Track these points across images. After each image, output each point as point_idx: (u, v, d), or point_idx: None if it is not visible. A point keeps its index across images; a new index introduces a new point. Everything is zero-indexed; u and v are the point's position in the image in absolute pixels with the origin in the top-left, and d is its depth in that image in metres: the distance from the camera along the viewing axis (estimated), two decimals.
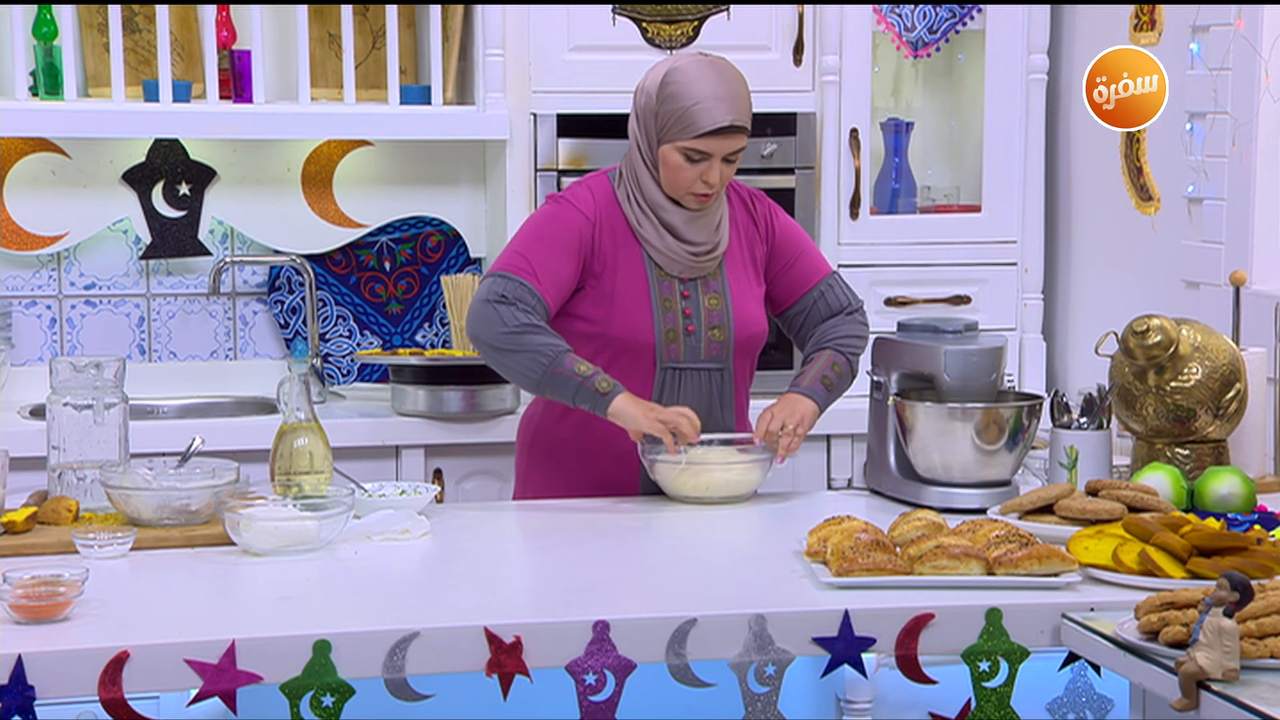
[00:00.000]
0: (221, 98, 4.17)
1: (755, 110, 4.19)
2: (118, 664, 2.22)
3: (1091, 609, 2.44)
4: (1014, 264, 4.41)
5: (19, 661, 2.19)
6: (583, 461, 3.26)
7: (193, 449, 2.97)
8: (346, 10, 4.17)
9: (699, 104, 3.10)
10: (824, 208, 4.31)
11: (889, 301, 4.36)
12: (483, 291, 3.14)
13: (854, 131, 4.30)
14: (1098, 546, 2.61)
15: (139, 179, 4.34)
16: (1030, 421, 3.07)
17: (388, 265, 4.51)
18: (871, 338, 3.32)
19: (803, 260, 3.35)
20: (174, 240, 4.36)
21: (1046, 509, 2.86)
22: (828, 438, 4.21)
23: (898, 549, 2.61)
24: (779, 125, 4.28)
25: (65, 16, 4.13)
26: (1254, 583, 2.17)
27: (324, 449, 3.00)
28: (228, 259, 4.34)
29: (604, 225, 3.21)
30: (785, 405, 3.18)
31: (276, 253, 4.40)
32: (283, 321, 4.46)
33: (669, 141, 3.13)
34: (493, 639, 2.33)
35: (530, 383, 3.11)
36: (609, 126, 4.12)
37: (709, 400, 3.25)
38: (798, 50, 4.29)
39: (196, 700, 2.26)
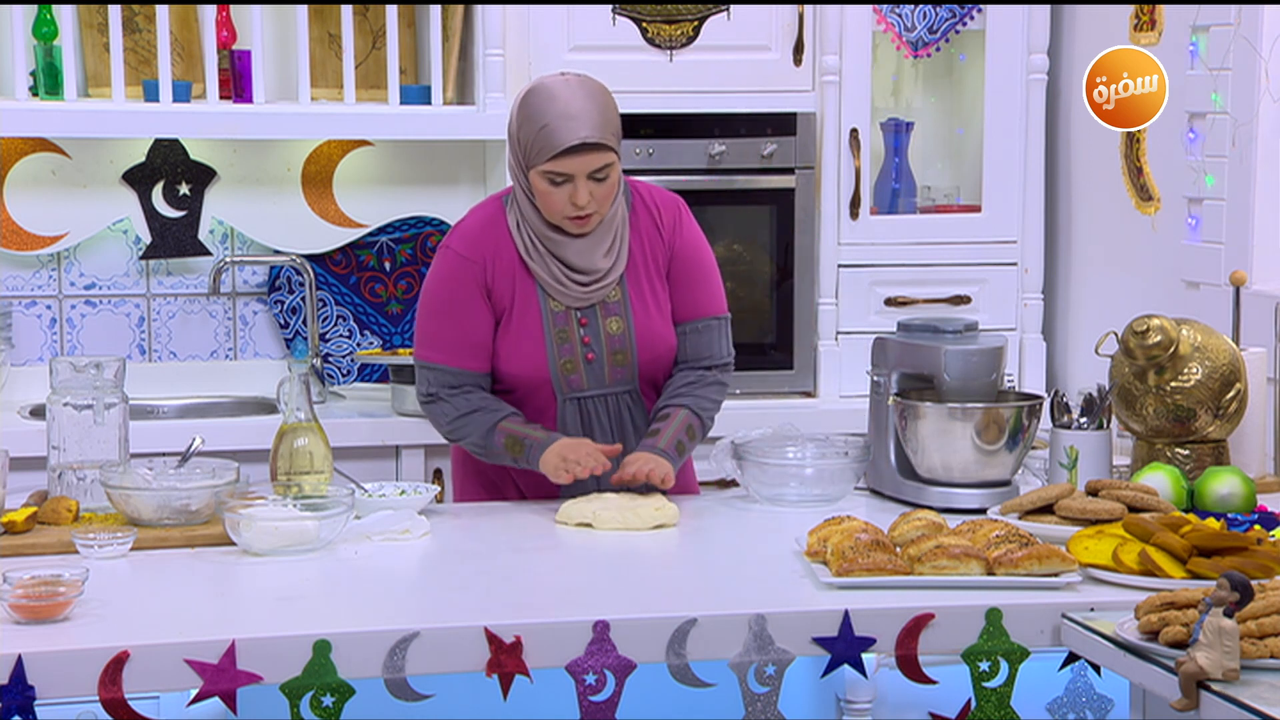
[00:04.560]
0: (221, 98, 4.17)
1: (756, 110, 4.26)
2: (118, 664, 2.22)
3: (1091, 609, 2.44)
4: (1014, 264, 4.41)
5: (19, 661, 2.19)
6: (509, 471, 3.24)
7: (193, 449, 2.97)
8: (346, 10, 4.17)
9: (548, 125, 3.00)
10: (824, 208, 4.31)
11: (889, 301, 4.36)
12: (418, 389, 3.20)
13: (854, 131, 4.30)
14: (1098, 546, 2.62)
15: (139, 179, 4.34)
16: (1030, 421, 3.07)
17: (388, 265, 4.51)
18: (871, 338, 3.32)
19: (696, 290, 3.22)
20: (174, 240, 4.36)
21: (1046, 509, 2.86)
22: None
23: (898, 549, 2.61)
24: (779, 125, 4.28)
25: (65, 16, 4.13)
26: (1254, 583, 2.17)
27: (324, 449, 3.00)
28: (228, 259, 4.34)
29: (495, 261, 3.13)
30: (643, 460, 3.08)
31: (276, 253, 4.40)
32: (283, 321, 4.46)
33: (533, 167, 3.03)
34: (493, 639, 2.33)
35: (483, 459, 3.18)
36: None
37: (621, 424, 3.21)
38: (798, 50, 4.29)
39: (197, 700, 2.26)
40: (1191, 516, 2.75)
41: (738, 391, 4.24)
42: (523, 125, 3.04)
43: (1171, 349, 3.12)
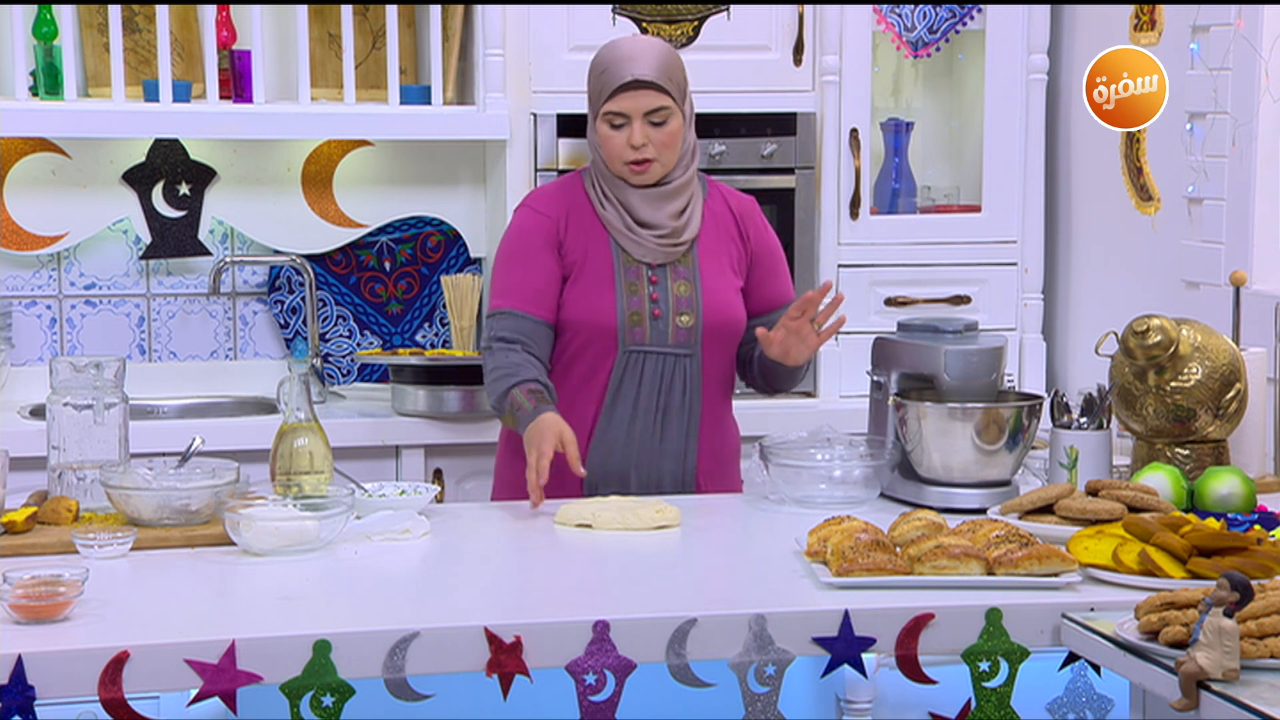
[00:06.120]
0: (221, 98, 4.17)
1: (756, 110, 4.27)
2: (118, 664, 2.22)
3: (1091, 609, 2.44)
4: (1014, 264, 4.41)
5: (19, 661, 2.19)
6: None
7: (193, 449, 2.97)
8: (346, 10, 4.17)
9: (607, 70, 3.19)
10: (824, 208, 4.32)
11: (889, 301, 4.36)
12: (484, 338, 3.28)
13: (854, 131, 4.30)
14: (1098, 546, 2.62)
15: (139, 179, 4.34)
16: (1030, 421, 3.07)
17: (388, 265, 4.51)
18: (871, 338, 3.32)
19: (779, 279, 3.39)
20: (174, 240, 4.36)
21: (1046, 509, 2.86)
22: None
23: (898, 549, 2.61)
24: (779, 125, 4.28)
25: (65, 16, 4.13)
26: (1254, 583, 2.17)
27: (324, 449, 3.00)
28: (228, 259, 4.34)
29: (571, 218, 3.27)
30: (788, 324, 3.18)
31: (276, 253, 4.40)
32: (283, 321, 4.46)
33: (596, 116, 3.21)
34: (493, 639, 2.33)
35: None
36: None
37: (671, 385, 3.26)
38: (798, 50, 4.29)
39: (197, 700, 2.26)
40: (1191, 516, 2.75)
41: (737, 391, 4.24)
42: (590, 75, 3.24)
43: (1171, 349, 3.12)
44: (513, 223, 3.33)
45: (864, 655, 2.42)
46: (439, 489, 3.16)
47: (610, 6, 4.21)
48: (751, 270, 3.35)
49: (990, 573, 2.54)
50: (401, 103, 4.25)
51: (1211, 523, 2.71)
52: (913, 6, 4.33)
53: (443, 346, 4.52)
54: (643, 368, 3.25)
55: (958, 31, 4.38)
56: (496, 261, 3.32)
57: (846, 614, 2.42)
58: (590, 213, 3.27)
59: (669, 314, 3.24)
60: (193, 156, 4.36)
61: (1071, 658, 2.45)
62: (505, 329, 3.22)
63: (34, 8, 4.12)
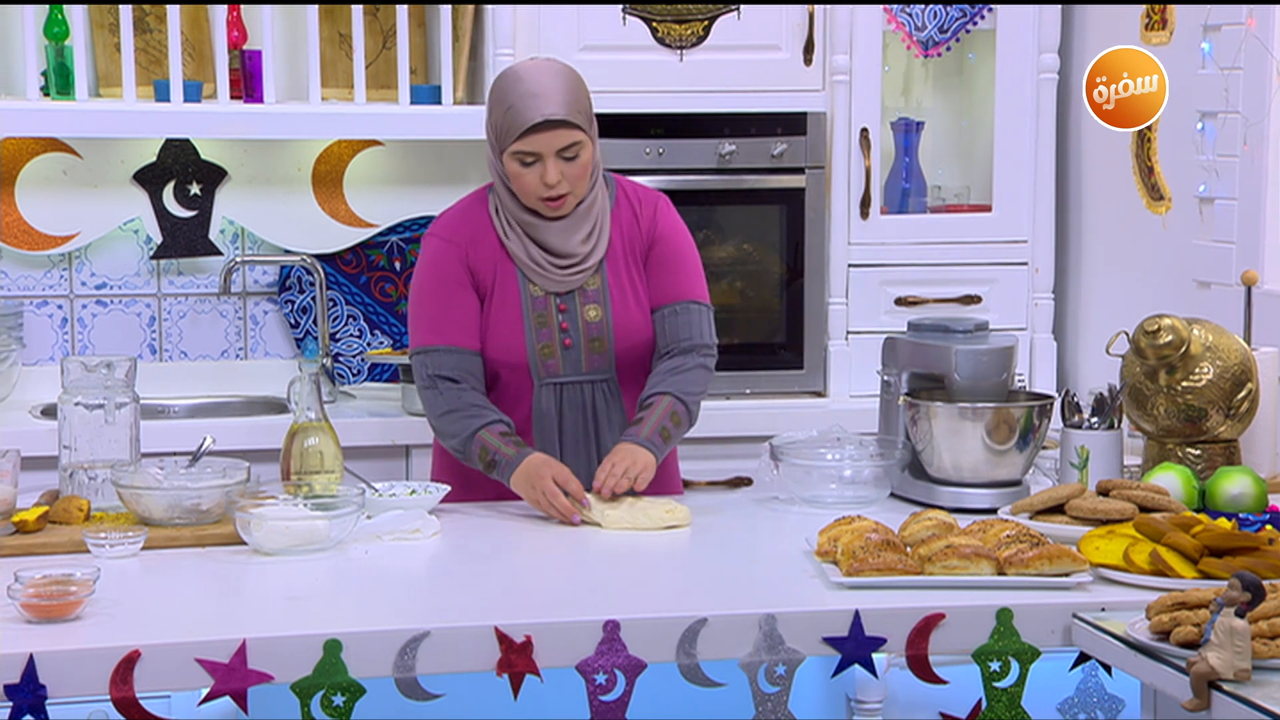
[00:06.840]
0: (232, 98, 4.17)
1: (766, 109, 4.27)
2: (129, 663, 2.22)
3: (1102, 609, 2.44)
4: (1024, 264, 4.41)
5: (30, 660, 2.19)
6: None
7: (203, 448, 2.97)
8: (357, 10, 4.17)
9: (513, 106, 3.05)
10: (834, 207, 4.31)
11: (899, 301, 4.35)
12: (415, 378, 3.19)
13: (864, 131, 4.30)
14: (1109, 546, 2.61)
15: (150, 179, 4.34)
16: (1041, 421, 3.07)
17: (398, 265, 4.52)
18: (881, 337, 3.32)
19: (670, 274, 3.23)
20: (185, 240, 4.37)
21: (1057, 509, 2.86)
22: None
23: (908, 549, 2.61)
24: (789, 125, 4.28)
25: (76, 16, 4.14)
26: (1265, 582, 2.16)
27: (334, 449, 3.01)
28: (238, 259, 4.35)
29: (477, 245, 3.18)
30: (623, 455, 3.07)
31: (287, 253, 4.41)
32: (293, 321, 4.46)
33: (504, 151, 3.08)
34: (503, 638, 2.33)
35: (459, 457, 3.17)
36: (619, 126, 4.11)
37: (590, 413, 3.22)
38: (808, 50, 4.28)
39: (208, 699, 2.26)
40: (1203, 516, 2.74)
41: (747, 391, 4.24)
42: (492, 110, 3.11)
43: (1183, 349, 3.11)
44: (424, 254, 3.23)
45: (874, 655, 2.42)
46: (449, 488, 3.15)
47: (621, 6, 4.21)
48: (647, 259, 3.23)
49: (1001, 573, 2.54)
50: (412, 103, 4.25)
51: (1223, 523, 2.71)
52: (923, 6, 4.33)
53: None
54: (561, 397, 3.20)
55: (968, 31, 4.38)
56: (415, 295, 3.22)
57: (857, 614, 2.42)
58: (495, 240, 3.18)
59: (580, 342, 3.17)
60: (203, 156, 4.37)
61: (1082, 658, 2.45)
62: (446, 366, 3.13)
63: (45, 8, 4.13)
